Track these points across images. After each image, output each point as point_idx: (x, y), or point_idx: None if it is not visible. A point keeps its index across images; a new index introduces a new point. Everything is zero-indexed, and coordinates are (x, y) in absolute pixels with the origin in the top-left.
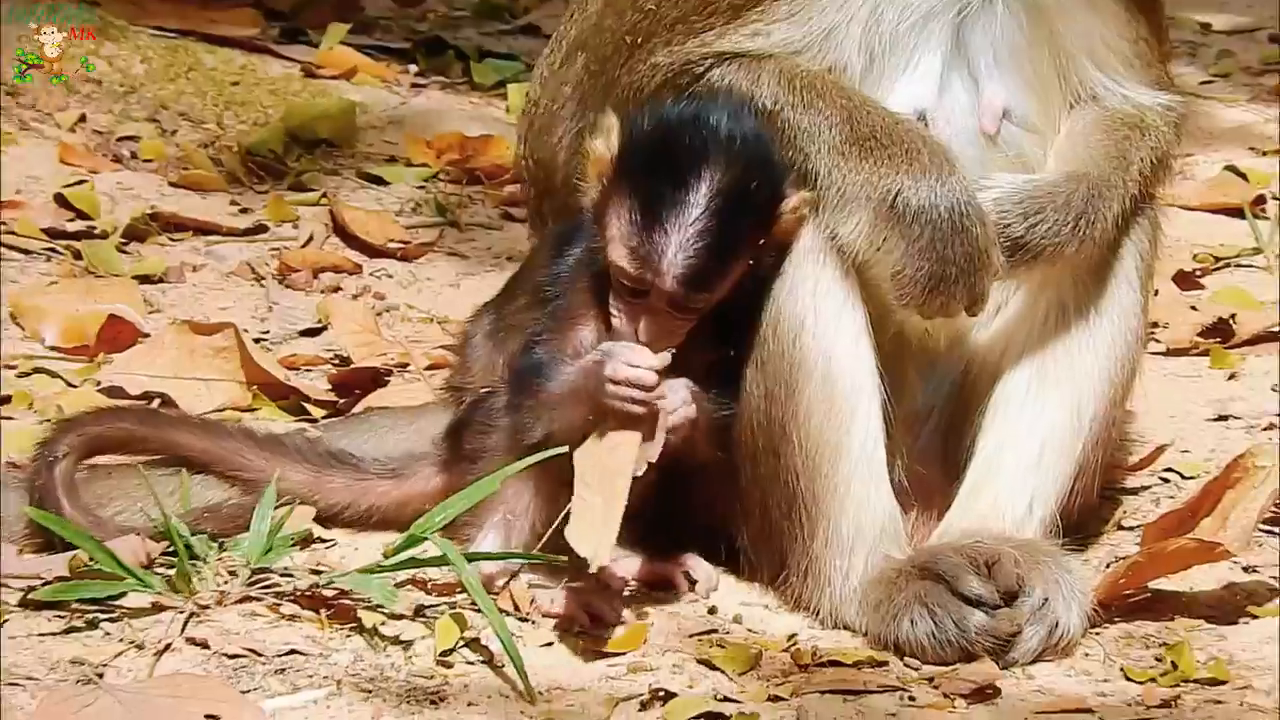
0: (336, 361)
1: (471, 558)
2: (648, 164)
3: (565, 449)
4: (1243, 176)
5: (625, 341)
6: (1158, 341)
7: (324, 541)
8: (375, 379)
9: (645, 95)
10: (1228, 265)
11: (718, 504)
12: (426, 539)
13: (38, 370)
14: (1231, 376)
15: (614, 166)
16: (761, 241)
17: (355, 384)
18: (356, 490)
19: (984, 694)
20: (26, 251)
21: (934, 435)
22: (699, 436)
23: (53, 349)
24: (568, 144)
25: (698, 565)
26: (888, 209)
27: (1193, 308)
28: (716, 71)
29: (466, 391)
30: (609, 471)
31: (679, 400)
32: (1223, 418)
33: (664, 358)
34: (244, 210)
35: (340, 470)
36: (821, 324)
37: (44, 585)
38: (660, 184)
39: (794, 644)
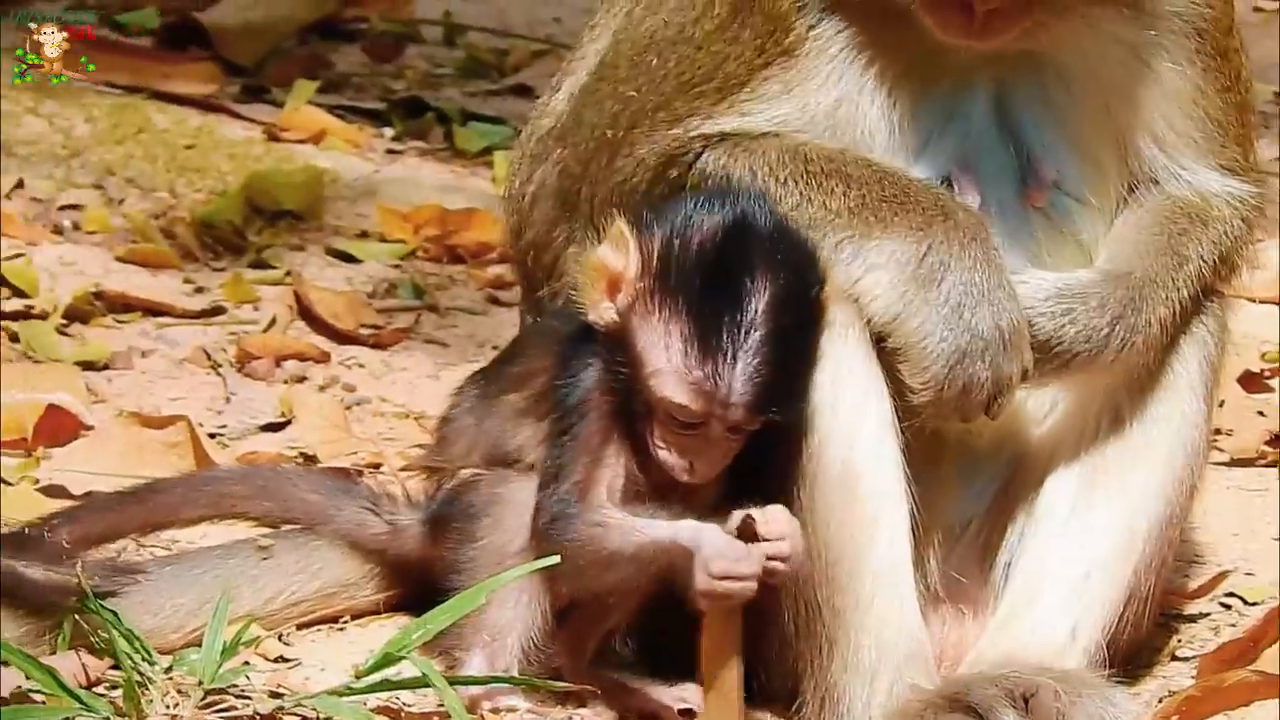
0: (301, 460)
1: (455, 680)
2: (692, 282)
3: (555, 559)
4: None
5: (711, 528)
6: (1221, 451)
7: (286, 661)
8: None
9: (633, 195)
10: None
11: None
12: (403, 658)
13: None
14: None
15: (644, 286)
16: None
17: None
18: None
19: None
20: None
21: (974, 544)
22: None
23: None
24: (547, 233)
25: (697, 696)
26: (914, 268)
27: (1260, 413)
28: (710, 155)
29: (444, 473)
30: (713, 661)
31: (788, 543)
32: None
33: (761, 553)
34: (199, 289)
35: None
36: (841, 415)
37: None
38: (714, 305)
39: None
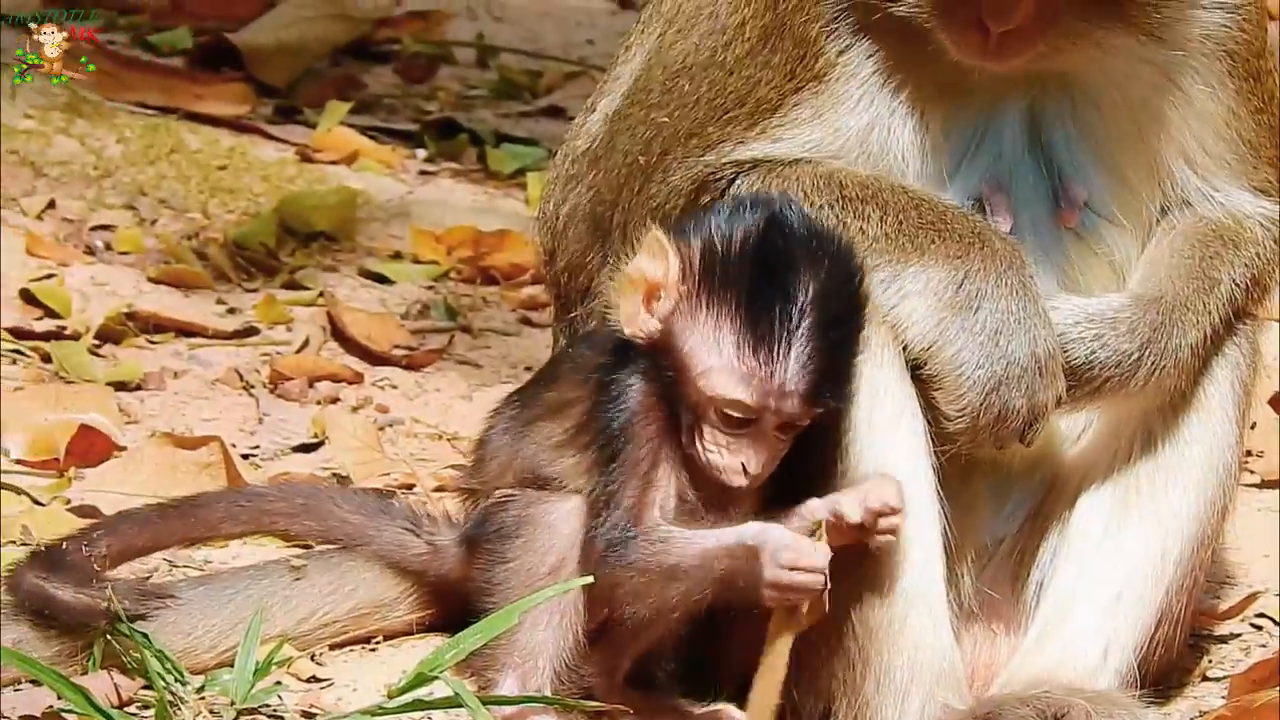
0: (334, 481)
1: (487, 701)
2: (738, 276)
3: (589, 579)
4: None
5: (775, 526)
6: (1252, 472)
7: (319, 680)
8: None
9: (666, 222)
10: None
11: (756, 643)
12: (436, 678)
13: (0, 486)
14: None
15: (688, 288)
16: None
17: None
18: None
19: None
20: None
21: (1006, 563)
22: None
23: (18, 462)
24: (581, 255)
25: (733, 716)
26: (951, 295)
27: None
28: (743, 182)
29: (479, 494)
30: (767, 658)
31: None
32: None
33: (826, 550)
34: (231, 310)
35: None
36: (875, 434)
37: None
38: (763, 296)
39: None
